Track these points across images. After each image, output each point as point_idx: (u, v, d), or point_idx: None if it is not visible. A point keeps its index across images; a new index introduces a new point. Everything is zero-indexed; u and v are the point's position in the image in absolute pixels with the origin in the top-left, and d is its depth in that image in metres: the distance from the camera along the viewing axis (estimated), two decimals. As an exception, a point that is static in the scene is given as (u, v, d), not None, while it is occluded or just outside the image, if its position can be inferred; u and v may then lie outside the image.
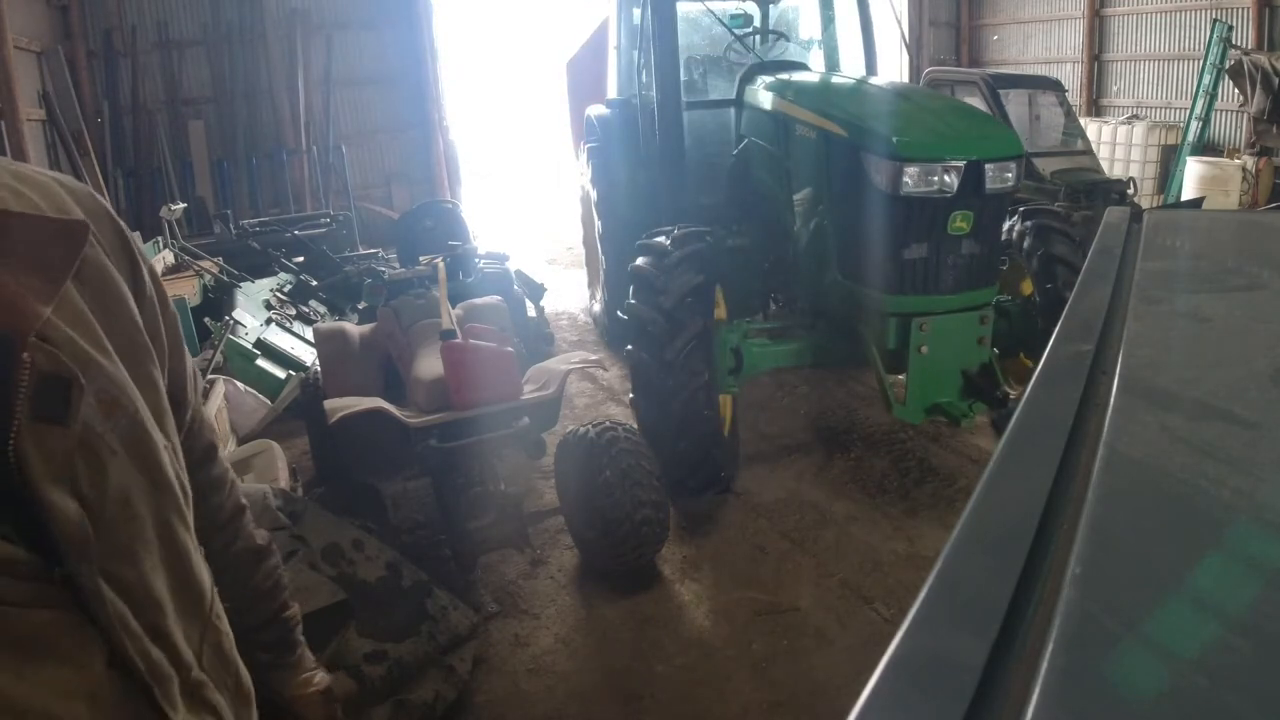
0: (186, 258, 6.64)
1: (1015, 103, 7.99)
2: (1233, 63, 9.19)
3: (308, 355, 5.32)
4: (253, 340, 5.21)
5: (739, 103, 4.91)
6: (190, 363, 1.04)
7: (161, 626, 0.80)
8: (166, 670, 0.79)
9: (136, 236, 0.93)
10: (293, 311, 6.11)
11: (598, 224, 6.00)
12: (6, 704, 0.63)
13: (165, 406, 0.87)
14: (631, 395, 4.13)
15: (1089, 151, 8.23)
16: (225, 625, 0.98)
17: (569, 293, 7.91)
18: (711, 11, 5.06)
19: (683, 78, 5.09)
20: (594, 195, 5.96)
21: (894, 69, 8.97)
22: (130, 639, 0.74)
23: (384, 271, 4.93)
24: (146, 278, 0.87)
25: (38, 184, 0.77)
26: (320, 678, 1.25)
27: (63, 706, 0.67)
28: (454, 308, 3.75)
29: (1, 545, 0.64)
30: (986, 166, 3.45)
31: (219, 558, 1.12)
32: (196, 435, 1.08)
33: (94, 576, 0.70)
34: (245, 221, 7.65)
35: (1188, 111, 9.55)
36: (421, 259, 4.44)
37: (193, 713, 0.84)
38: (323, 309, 6.41)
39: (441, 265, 3.94)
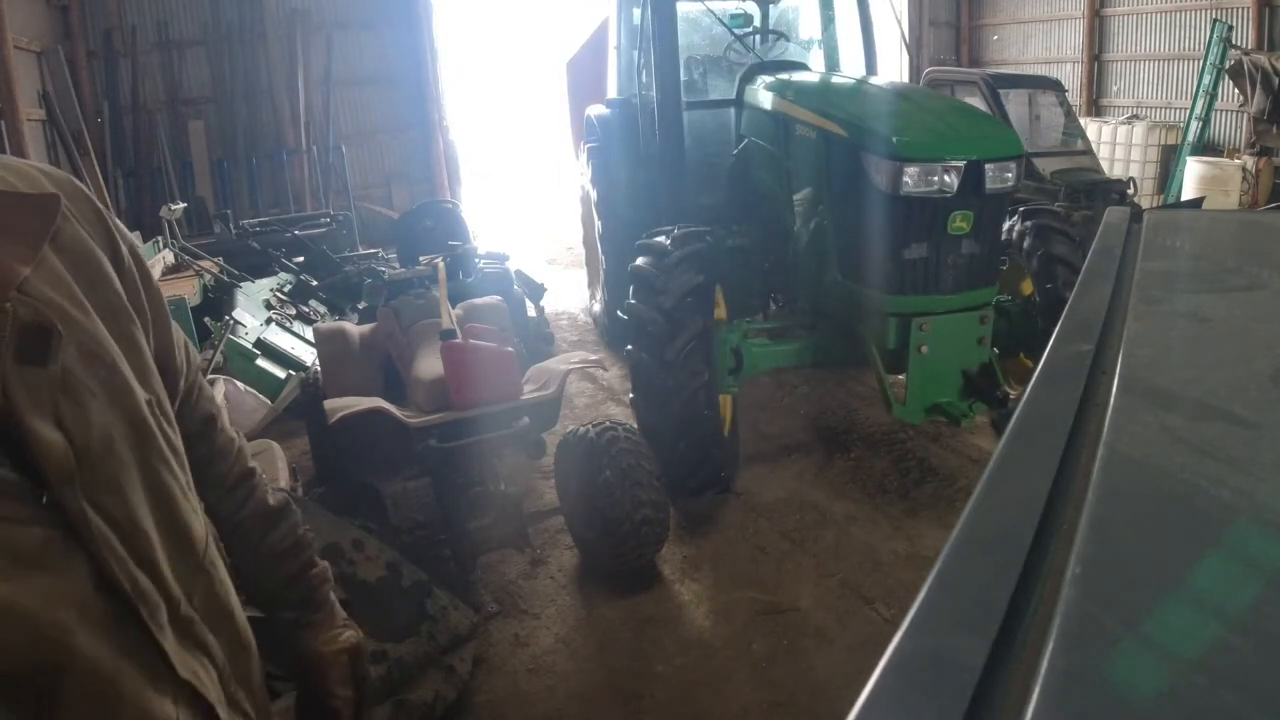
0: (186, 258, 6.63)
1: (1015, 103, 7.99)
2: (1233, 63, 9.19)
3: (308, 355, 5.32)
4: (253, 340, 5.21)
5: (739, 103, 4.91)
6: (181, 336, 1.09)
7: (149, 557, 0.84)
8: (154, 598, 0.83)
9: (125, 227, 1.00)
10: (293, 311, 6.11)
11: (598, 224, 6.00)
12: (5, 605, 0.69)
13: (150, 366, 0.92)
14: (631, 395, 4.13)
15: (1089, 151, 8.23)
16: (222, 574, 1.01)
17: (569, 293, 7.91)
18: (711, 11, 5.06)
19: (683, 78, 5.09)
20: (594, 195, 5.96)
21: (894, 69, 8.96)
22: (117, 563, 0.79)
23: (384, 271, 4.93)
24: (125, 252, 0.94)
25: (18, 170, 0.85)
26: (347, 635, 1.23)
27: (54, 613, 0.72)
28: (454, 308, 3.75)
29: None
30: (986, 166, 3.45)
31: (229, 523, 1.15)
32: (195, 405, 1.12)
33: (78, 500, 0.75)
34: (245, 221, 7.65)
35: (1188, 111, 9.55)
36: (421, 259, 4.45)
37: (183, 645, 0.88)
38: (323, 309, 6.41)
39: (441, 265, 3.94)
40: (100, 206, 0.93)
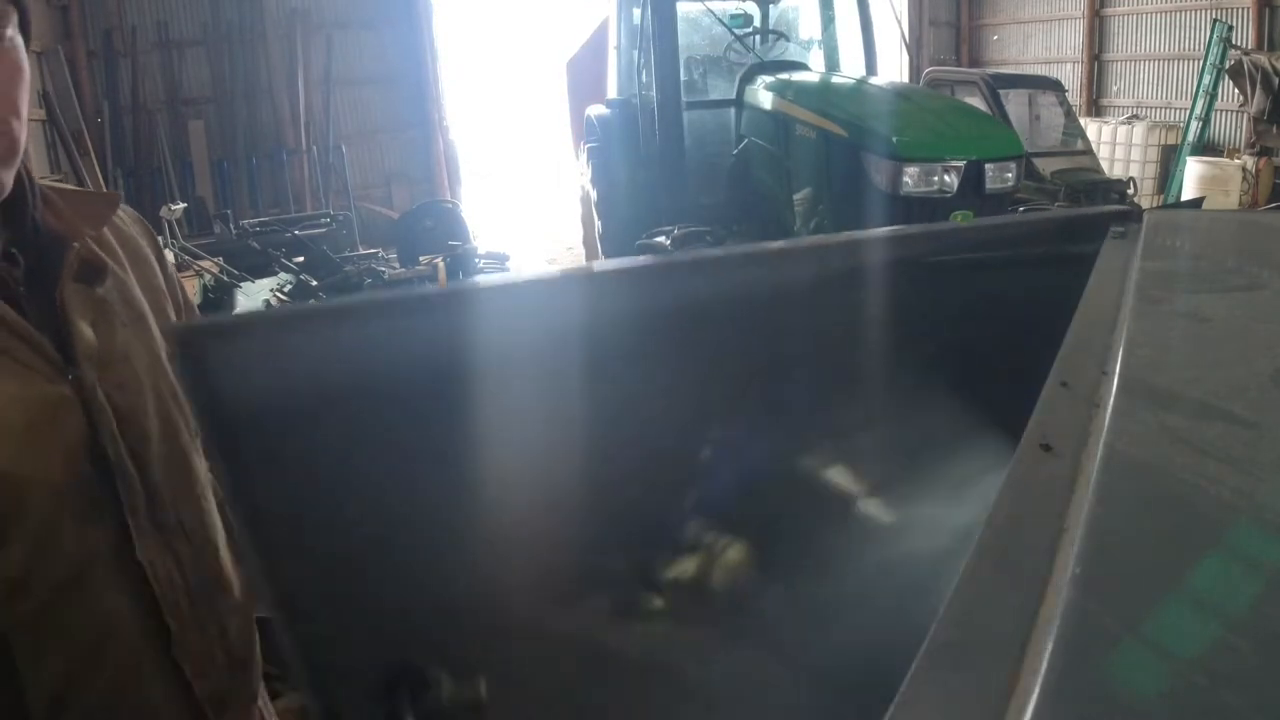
0: (187, 258, 6.62)
1: (1015, 103, 7.98)
2: (1233, 63, 9.18)
3: (308, 355, 5.32)
4: (253, 340, 5.21)
5: (739, 103, 4.91)
6: None
7: (141, 453, 0.99)
8: (134, 482, 0.97)
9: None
10: (293, 311, 6.11)
11: (598, 224, 6.00)
12: (23, 426, 0.90)
13: None
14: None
15: (1089, 151, 8.22)
16: (215, 519, 1.10)
17: (569, 293, 7.88)
18: (711, 11, 5.06)
19: (683, 78, 5.09)
20: (594, 195, 5.96)
21: (894, 69, 8.97)
22: (108, 438, 0.96)
23: (384, 272, 4.93)
24: (167, 261, 1.18)
25: (94, 189, 1.14)
26: None
27: (51, 445, 0.93)
28: (454, 308, 3.74)
29: (44, 342, 0.94)
30: (986, 166, 3.46)
31: None
32: None
33: (93, 379, 0.96)
34: (245, 221, 7.65)
35: (1188, 111, 9.55)
36: (421, 259, 4.45)
37: (151, 538, 0.99)
38: (323, 309, 6.40)
39: (441, 265, 3.95)
40: (150, 228, 1.21)
